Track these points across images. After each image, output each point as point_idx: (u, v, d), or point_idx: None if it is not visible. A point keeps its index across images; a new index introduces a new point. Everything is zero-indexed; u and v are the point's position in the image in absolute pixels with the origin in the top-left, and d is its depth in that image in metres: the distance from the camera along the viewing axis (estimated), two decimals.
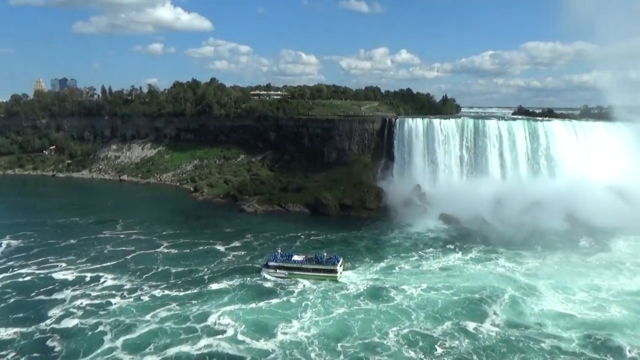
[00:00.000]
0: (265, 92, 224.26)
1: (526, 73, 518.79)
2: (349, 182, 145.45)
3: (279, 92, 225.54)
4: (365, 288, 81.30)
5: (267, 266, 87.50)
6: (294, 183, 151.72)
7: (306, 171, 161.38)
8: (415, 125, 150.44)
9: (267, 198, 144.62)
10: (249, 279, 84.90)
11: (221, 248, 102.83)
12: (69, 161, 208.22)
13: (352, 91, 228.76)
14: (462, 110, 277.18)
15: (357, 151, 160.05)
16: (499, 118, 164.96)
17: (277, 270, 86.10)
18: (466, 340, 63.93)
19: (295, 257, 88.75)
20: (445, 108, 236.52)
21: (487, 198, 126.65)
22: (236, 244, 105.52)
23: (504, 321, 69.59)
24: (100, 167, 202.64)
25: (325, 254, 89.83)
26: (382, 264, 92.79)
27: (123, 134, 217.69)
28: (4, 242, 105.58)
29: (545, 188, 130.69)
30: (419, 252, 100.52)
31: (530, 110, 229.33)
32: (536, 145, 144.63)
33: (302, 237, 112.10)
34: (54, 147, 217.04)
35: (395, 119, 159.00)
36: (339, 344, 62.90)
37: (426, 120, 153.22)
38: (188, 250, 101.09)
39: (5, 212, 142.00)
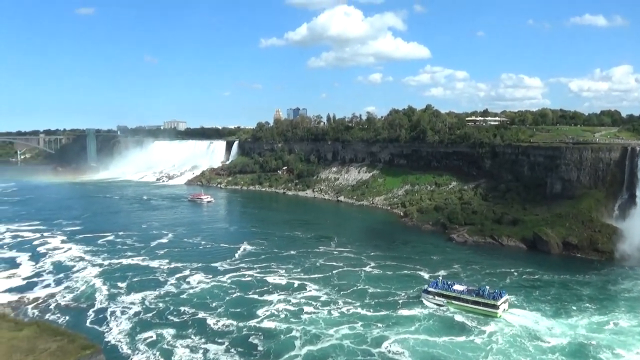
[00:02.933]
0: (482, 118, 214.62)
1: None
2: (576, 218, 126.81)
3: (497, 118, 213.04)
4: (567, 342, 69.25)
5: (426, 292, 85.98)
6: (509, 215, 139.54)
7: (524, 203, 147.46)
8: None
9: (479, 229, 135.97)
10: (442, 309, 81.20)
11: (425, 275, 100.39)
12: (297, 181, 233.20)
13: (584, 116, 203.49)
14: None
15: (588, 183, 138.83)
16: None
17: (436, 297, 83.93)
18: None
19: (457, 287, 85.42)
20: None
21: None
22: (442, 272, 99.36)
23: None
24: (322, 187, 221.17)
25: (488, 287, 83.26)
26: (600, 318, 77.70)
27: (342, 157, 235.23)
28: (242, 247, 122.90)
29: None
30: None
31: None
32: None
33: (515, 274, 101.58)
34: (286, 167, 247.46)
35: None
36: None
37: None
38: (391, 273, 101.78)
39: (246, 222, 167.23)
